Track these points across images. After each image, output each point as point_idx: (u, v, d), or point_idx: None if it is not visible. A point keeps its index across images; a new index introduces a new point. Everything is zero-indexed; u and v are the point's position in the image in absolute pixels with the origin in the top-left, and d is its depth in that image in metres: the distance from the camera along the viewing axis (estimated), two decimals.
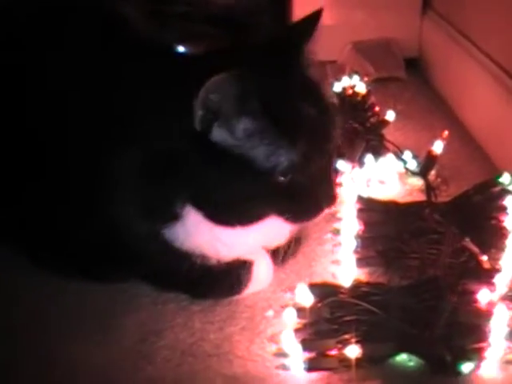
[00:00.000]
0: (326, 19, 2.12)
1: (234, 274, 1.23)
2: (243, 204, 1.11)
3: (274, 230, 1.20)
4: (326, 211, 1.14)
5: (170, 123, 1.11)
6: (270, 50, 1.14)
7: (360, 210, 1.36)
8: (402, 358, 1.09)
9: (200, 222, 1.13)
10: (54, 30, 1.29)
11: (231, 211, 1.12)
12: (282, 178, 1.08)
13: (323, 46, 2.10)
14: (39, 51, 1.27)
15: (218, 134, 1.07)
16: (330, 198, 1.13)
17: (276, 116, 1.06)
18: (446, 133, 1.54)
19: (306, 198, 1.11)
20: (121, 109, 1.16)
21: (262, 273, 1.25)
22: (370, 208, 1.37)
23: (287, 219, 1.13)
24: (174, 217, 1.14)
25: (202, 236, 1.15)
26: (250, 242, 1.20)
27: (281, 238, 1.25)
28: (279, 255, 1.27)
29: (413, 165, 1.54)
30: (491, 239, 1.28)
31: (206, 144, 1.08)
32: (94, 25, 1.27)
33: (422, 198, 1.47)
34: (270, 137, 1.06)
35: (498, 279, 1.16)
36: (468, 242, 1.22)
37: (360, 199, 1.39)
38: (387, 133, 1.64)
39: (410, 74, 2.11)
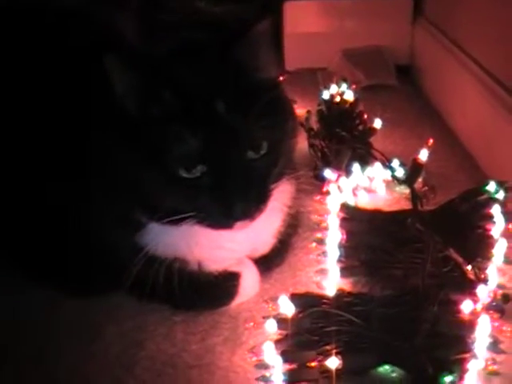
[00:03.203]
0: (317, 27, 2.16)
1: (221, 286, 1.22)
2: (161, 198, 1.10)
3: (254, 235, 1.20)
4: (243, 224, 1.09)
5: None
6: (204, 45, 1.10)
7: (343, 219, 1.35)
8: (385, 368, 1.08)
9: (161, 225, 1.12)
10: (47, 41, 1.28)
11: (153, 206, 1.11)
12: (184, 173, 1.05)
13: (314, 54, 2.14)
14: (32, 64, 1.27)
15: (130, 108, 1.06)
16: (244, 211, 1.07)
17: (180, 106, 1.04)
18: (431, 141, 1.53)
19: (217, 204, 1.07)
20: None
21: (249, 284, 1.25)
22: (353, 217, 1.36)
23: (201, 222, 1.10)
24: (141, 224, 1.14)
25: (169, 238, 1.15)
26: (221, 240, 1.18)
27: (263, 245, 1.25)
28: (264, 264, 1.27)
29: (400, 173, 1.53)
30: (477, 248, 1.26)
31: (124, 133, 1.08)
32: (88, 37, 1.26)
33: (409, 206, 1.44)
34: (172, 124, 1.04)
35: (482, 289, 1.15)
36: (451, 252, 1.21)
37: (343, 208, 1.39)
38: (376, 141, 1.63)
39: (400, 82, 2.12)
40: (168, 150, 1.04)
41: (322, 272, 1.29)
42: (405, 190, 1.52)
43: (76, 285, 1.26)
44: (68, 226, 1.21)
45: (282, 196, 1.22)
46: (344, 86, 1.75)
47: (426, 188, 1.49)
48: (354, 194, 1.50)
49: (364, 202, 1.50)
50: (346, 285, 1.25)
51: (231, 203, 1.05)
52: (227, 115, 1.04)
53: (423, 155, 1.49)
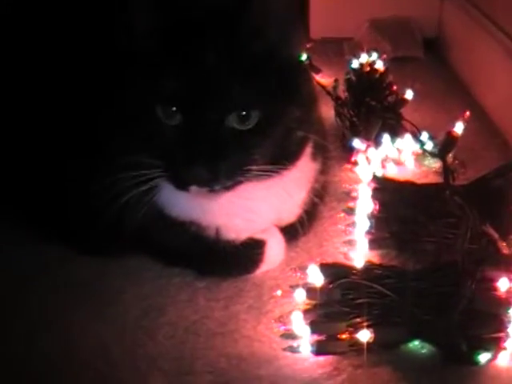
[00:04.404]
0: None
1: (246, 253, 1.19)
2: (140, 138, 1.07)
3: (275, 207, 1.18)
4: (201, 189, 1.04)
5: None
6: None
7: (375, 190, 1.32)
8: (414, 344, 1.05)
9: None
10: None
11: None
12: (162, 114, 1.02)
13: (340, 23, 2.10)
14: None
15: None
16: (199, 178, 1.02)
17: (176, 47, 1.01)
18: (468, 114, 1.49)
19: (178, 161, 1.02)
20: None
21: (275, 252, 1.22)
22: (385, 188, 1.33)
23: (163, 176, 1.05)
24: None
25: (183, 200, 1.12)
26: (238, 209, 1.15)
27: (288, 215, 1.22)
28: (290, 233, 1.24)
29: (430, 146, 1.50)
30: (510, 225, 1.23)
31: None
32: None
33: (437, 180, 1.42)
34: (161, 60, 1.01)
35: None
36: (488, 227, 1.18)
37: (375, 178, 1.36)
38: (404, 113, 1.59)
39: (427, 54, 2.07)
40: (152, 84, 1.01)
41: (350, 243, 1.26)
42: (433, 163, 1.49)
43: (91, 244, 1.22)
44: (81, 182, 1.17)
45: (305, 175, 1.19)
46: (374, 56, 1.71)
47: (457, 162, 1.45)
48: (383, 166, 1.47)
49: (392, 173, 1.46)
50: (374, 257, 1.22)
51: (188, 165, 1.01)
52: (214, 68, 0.99)
53: (458, 128, 1.45)
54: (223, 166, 1.02)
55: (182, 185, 1.04)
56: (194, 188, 1.03)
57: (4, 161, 1.28)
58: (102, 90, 1.14)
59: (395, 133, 1.52)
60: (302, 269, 1.17)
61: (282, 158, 1.09)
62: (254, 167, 1.05)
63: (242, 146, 1.03)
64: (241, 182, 1.06)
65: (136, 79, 1.04)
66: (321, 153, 1.22)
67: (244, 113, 1.01)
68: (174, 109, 1.01)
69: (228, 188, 1.05)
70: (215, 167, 1.01)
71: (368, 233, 1.25)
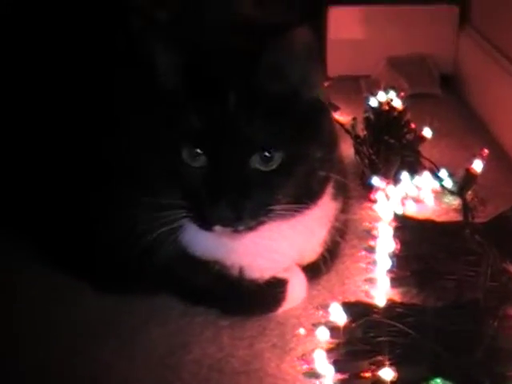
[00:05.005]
0: (361, 33, 2.14)
1: (269, 292, 1.20)
2: (162, 181, 1.09)
3: (297, 246, 1.19)
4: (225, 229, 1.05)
5: None
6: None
7: (397, 228, 1.32)
8: (437, 382, 1.05)
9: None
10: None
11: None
12: (186, 156, 1.03)
13: (357, 60, 2.12)
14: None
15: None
16: (223, 218, 1.03)
17: (197, 87, 1.02)
18: (486, 151, 1.50)
19: (202, 201, 1.03)
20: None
21: (297, 291, 1.23)
22: (405, 226, 1.34)
23: (188, 216, 1.07)
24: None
25: (207, 240, 1.13)
26: (261, 249, 1.16)
27: (310, 253, 1.23)
28: (312, 271, 1.25)
29: (449, 183, 1.51)
30: None
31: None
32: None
33: (457, 217, 1.43)
34: (179, 97, 1.03)
35: None
36: (508, 265, 1.19)
37: (396, 216, 1.37)
38: (422, 150, 1.60)
39: (444, 91, 2.08)
40: (177, 127, 1.03)
41: (371, 281, 1.27)
42: (453, 201, 1.50)
43: (117, 282, 1.24)
44: (106, 222, 1.19)
45: (327, 214, 1.20)
46: (392, 94, 1.73)
47: (476, 200, 1.46)
48: (402, 204, 1.47)
49: (412, 211, 1.47)
50: (396, 295, 1.23)
51: (213, 205, 1.02)
52: (235, 109, 1.00)
53: (477, 166, 1.47)
54: (247, 206, 1.03)
55: (207, 225, 1.06)
56: (218, 228, 1.05)
57: (26, 197, 1.30)
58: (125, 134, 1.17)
59: (414, 170, 1.53)
60: (324, 307, 1.17)
61: (305, 198, 1.10)
62: (278, 207, 1.06)
63: (266, 187, 1.04)
64: (264, 222, 1.07)
65: (160, 123, 1.06)
66: (341, 192, 1.23)
67: (267, 154, 1.02)
68: (199, 151, 1.02)
69: (252, 228, 1.06)
70: (239, 207, 1.02)
71: (389, 271, 1.25)
